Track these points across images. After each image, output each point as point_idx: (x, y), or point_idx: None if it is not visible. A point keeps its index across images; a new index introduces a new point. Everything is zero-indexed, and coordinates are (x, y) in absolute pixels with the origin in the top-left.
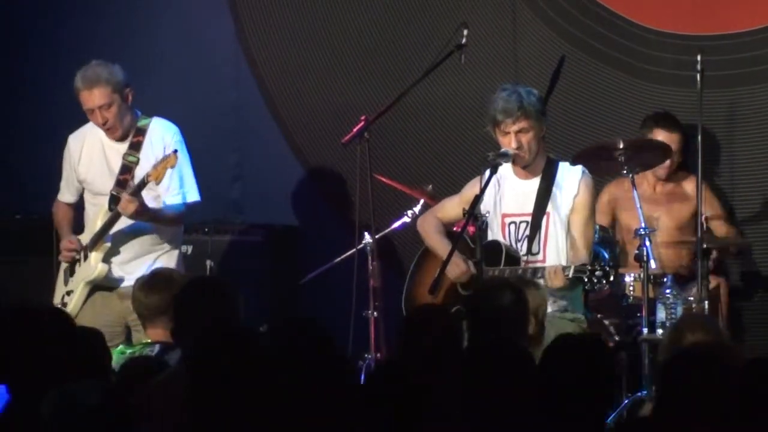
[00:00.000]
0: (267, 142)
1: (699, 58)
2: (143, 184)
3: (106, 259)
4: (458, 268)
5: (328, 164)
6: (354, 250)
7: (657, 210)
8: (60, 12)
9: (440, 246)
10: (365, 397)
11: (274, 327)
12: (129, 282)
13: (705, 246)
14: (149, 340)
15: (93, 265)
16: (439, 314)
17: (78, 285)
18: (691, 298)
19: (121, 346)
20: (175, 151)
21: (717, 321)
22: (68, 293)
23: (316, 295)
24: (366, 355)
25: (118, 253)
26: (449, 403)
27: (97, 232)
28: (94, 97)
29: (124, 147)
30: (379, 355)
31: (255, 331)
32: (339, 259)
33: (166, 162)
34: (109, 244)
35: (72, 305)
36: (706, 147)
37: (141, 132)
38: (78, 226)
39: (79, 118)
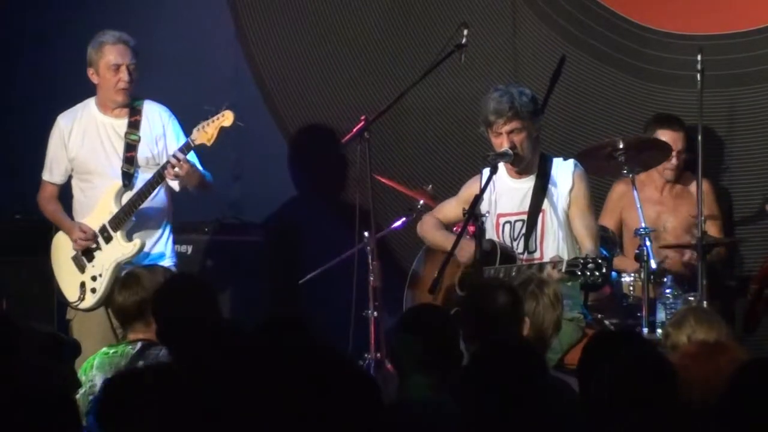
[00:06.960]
0: (267, 141)
1: (699, 58)
2: (188, 147)
3: (132, 236)
4: (469, 249)
5: (328, 164)
6: (354, 250)
7: (664, 212)
8: (60, 13)
9: (442, 240)
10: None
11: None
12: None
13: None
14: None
15: (126, 244)
16: (433, 314)
17: (109, 267)
18: (692, 299)
19: (104, 348)
20: (228, 107)
21: (720, 318)
22: (93, 278)
23: (316, 295)
24: (366, 355)
25: (140, 229)
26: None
27: (123, 209)
28: (127, 53)
29: (121, 125)
30: (379, 355)
31: (240, 326)
32: (339, 259)
33: (219, 121)
34: (134, 220)
35: (103, 289)
36: (707, 147)
37: (137, 111)
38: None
39: None
